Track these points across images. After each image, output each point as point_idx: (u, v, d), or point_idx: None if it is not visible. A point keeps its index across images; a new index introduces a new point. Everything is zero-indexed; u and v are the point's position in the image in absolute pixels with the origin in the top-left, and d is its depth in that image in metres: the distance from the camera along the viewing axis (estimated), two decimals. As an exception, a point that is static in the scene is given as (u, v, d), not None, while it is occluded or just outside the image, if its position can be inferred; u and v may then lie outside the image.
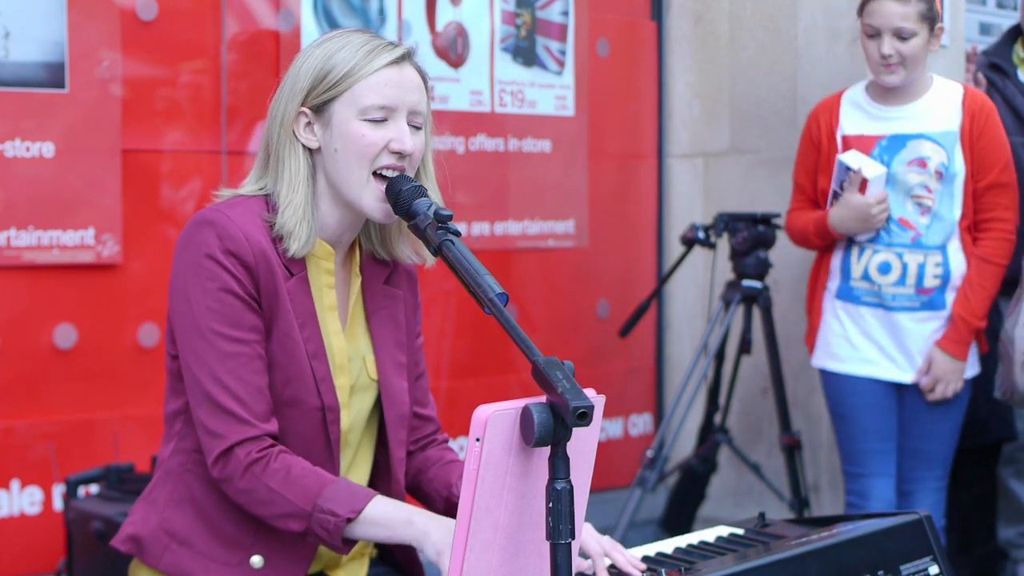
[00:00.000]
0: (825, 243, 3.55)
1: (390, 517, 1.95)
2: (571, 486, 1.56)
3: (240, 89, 3.65)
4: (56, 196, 3.35)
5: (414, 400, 2.20)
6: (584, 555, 2.03)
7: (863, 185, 3.37)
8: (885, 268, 3.43)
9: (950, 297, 3.43)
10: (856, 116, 3.51)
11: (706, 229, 3.99)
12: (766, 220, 3.92)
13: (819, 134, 3.55)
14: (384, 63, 2.01)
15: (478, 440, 1.55)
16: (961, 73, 4.31)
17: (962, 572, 4.09)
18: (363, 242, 2.16)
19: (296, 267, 2.04)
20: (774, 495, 4.06)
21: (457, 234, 1.89)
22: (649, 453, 3.93)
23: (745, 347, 4.02)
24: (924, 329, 3.45)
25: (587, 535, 2.04)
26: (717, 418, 4.13)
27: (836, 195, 3.47)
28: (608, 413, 4.47)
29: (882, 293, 3.45)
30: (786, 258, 4.08)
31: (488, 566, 1.61)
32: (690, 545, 2.15)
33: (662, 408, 4.75)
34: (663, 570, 1.91)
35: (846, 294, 3.52)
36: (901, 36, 3.34)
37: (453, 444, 2.33)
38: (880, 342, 3.48)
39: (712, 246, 4.00)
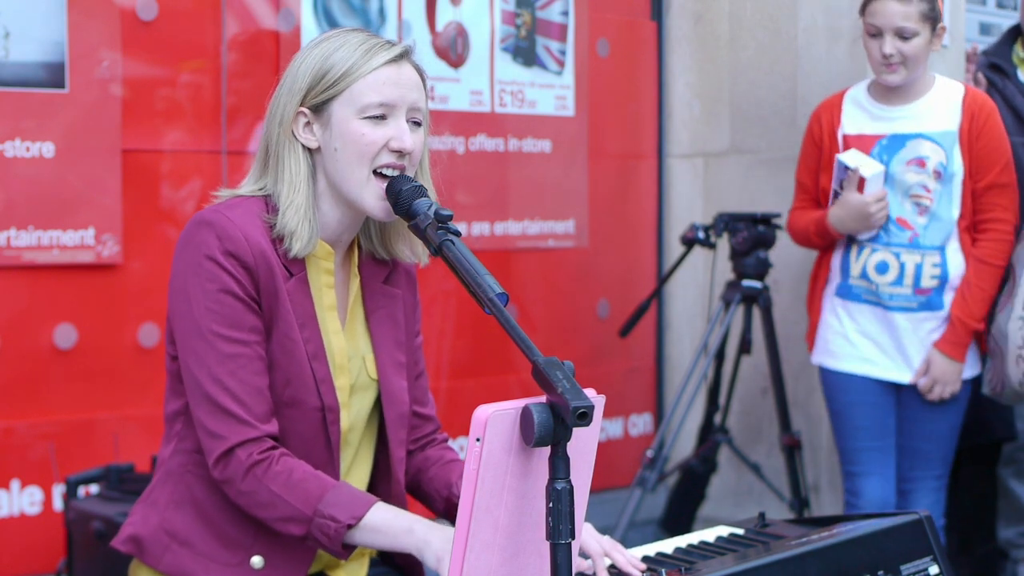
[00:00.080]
0: (826, 243, 3.56)
1: (391, 525, 1.94)
2: (571, 486, 1.56)
3: (240, 89, 3.65)
4: (56, 196, 3.35)
5: (414, 399, 2.20)
6: (584, 555, 2.03)
7: (861, 184, 3.37)
8: (883, 268, 3.43)
9: (948, 298, 3.43)
10: (857, 115, 3.51)
11: (706, 229, 3.99)
12: (766, 220, 3.92)
13: (820, 133, 3.55)
14: (382, 62, 2.01)
15: (478, 440, 1.55)
16: (961, 73, 4.31)
17: (962, 572, 4.09)
18: (362, 241, 2.16)
19: (295, 267, 2.04)
20: (774, 495, 4.06)
21: (457, 234, 1.89)
22: (649, 453, 3.93)
23: (745, 347, 4.02)
24: (921, 329, 3.45)
25: (587, 535, 2.04)
26: (717, 418, 4.13)
27: (836, 194, 3.47)
28: (608, 413, 4.47)
29: (879, 292, 3.45)
30: (786, 258, 4.08)
31: (488, 566, 1.61)
32: (690, 545, 2.15)
33: (662, 408, 4.75)
34: (663, 570, 1.91)
35: (845, 292, 3.52)
36: (903, 36, 3.35)
37: (453, 444, 2.33)
38: (878, 341, 3.49)
39: (712, 246, 4.00)
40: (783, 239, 3.85)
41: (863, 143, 3.47)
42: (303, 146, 2.04)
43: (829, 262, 3.58)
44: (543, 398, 1.58)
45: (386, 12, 3.90)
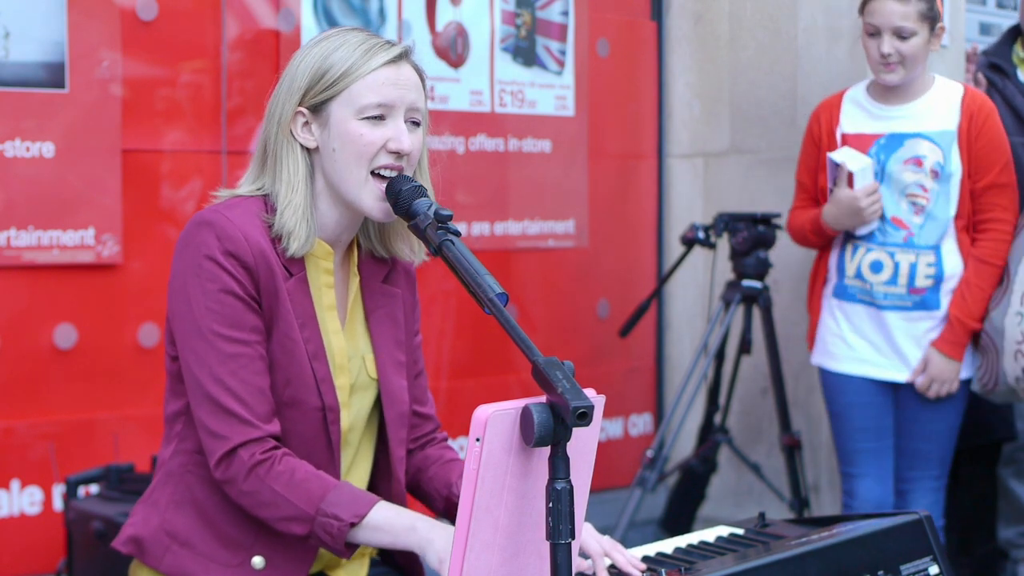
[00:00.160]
0: (823, 241, 3.56)
1: (393, 523, 1.94)
2: (571, 486, 1.56)
3: (240, 89, 3.65)
4: (56, 196, 3.35)
5: (413, 398, 2.20)
6: (584, 555, 2.03)
7: (850, 179, 3.38)
8: (877, 267, 3.44)
9: (943, 297, 3.43)
10: (856, 115, 3.52)
11: (706, 229, 3.99)
12: (766, 220, 3.92)
13: (819, 132, 3.56)
14: (381, 62, 2.01)
15: (478, 440, 1.55)
16: (961, 73, 4.31)
17: (962, 572, 4.09)
18: (361, 240, 2.16)
19: (295, 267, 2.04)
20: (774, 495, 4.06)
21: (457, 234, 1.89)
22: (649, 453, 3.93)
23: (745, 347, 4.02)
24: (916, 329, 3.45)
25: (587, 535, 2.04)
26: (717, 418, 4.13)
27: (831, 192, 3.48)
28: (608, 413, 4.47)
29: (873, 292, 3.45)
30: (786, 258, 4.08)
31: (488, 566, 1.61)
32: (690, 545, 2.15)
33: (662, 408, 4.75)
34: (663, 570, 1.91)
35: (841, 292, 3.53)
36: (901, 35, 3.35)
37: (453, 444, 2.33)
38: (873, 341, 3.49)
39: (712, 246, 4.00)
40: (783, 239, 3.85)
41: (861, 142, 3.47)
42: (301, 146, 2.04)
43: (827, 262, 3.59)
44: (543, 398, 1.58)
45: (386, 12, 3.90)
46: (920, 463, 3.52)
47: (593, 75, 4.45)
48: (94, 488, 3.19)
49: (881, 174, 3.43)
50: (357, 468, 2.15)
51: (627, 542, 2.17)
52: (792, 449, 3.92)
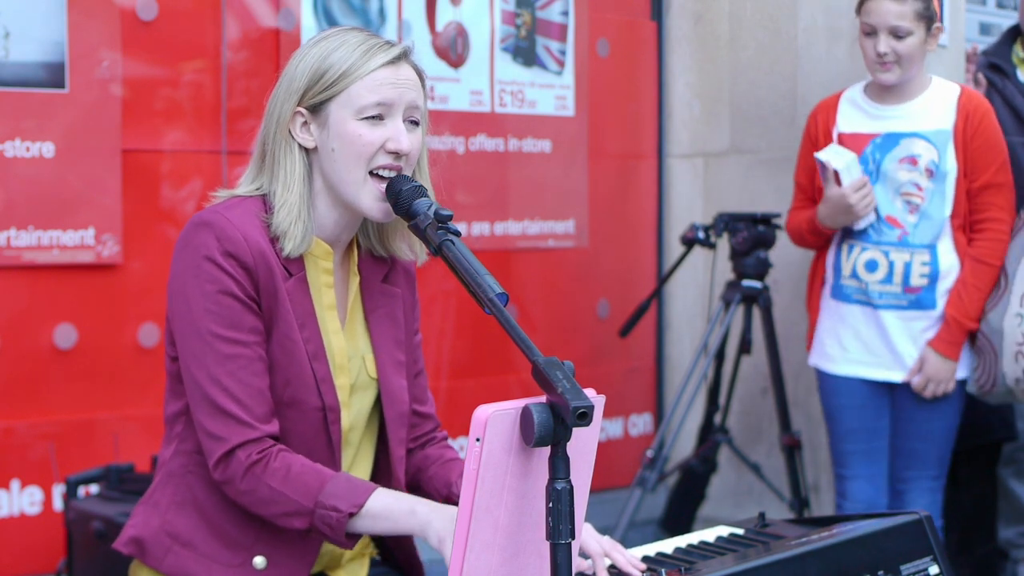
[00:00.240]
0: (820, 240, 3.57)
1: (392, 509, 1.95)
2: (571, 486, 1.56)
3: (240, 89, 3.65)
4: (56, 196, 3.35)
5: (413, 398, 2.20)
6: (584, 555, 2.03)
7: (837, 177, 3.39)
8: (872, 266, 3.44)
9: (939, 296, 3.43)
10: (853, 114, 3.53)
11: (706, 229, 3.99)
12: (766, 220, 3.92)
13: (816, 133, 3.57)
14: (381, 63, 2.00)
15: (478, 440, 1.55)
16: (961, 73, 4.31)
17: (962, 572, 4.09)
18: (361, 239, 2.16)
19: (295, 267, 2.03)
20: (774, 495, 4.06)
21: (457, 234, 1.89)
22: (649, 453, 3.93)
23: (745, 347, 4.02)
24: (912, 328, 3.45)
25: (587, 535, 2.04)
26: (717, 418, 4.13)
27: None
28: (608, 413, 4.47)
29: (869, 291, 3.46)
30: (786, 258, 4.08)
31: (488, 566, 1.61)
32: (690, 545, 2.15)
33: (662, 408, 4.75)
34: (663, 570, 1.91)
35: (837, 292, 3.53)
36: (897, 34, 3.36)
37: (453, 444, 2.33)
38: (868, 341, 3.49)
39: (712, 246, 4.00)
40: (783, 239, 3.85)
41: (858, 142, 3.48)
42: (300, 146, 2.04)
43: (824, 262, 3.60)
44: (543, 398, 1.58)
45: (386, 12, 3.90)
46: (917, 463, 3.52)
47: (593, 75, 4.45)
48: (94, 488, 3.19)
49: (876, 173, 3.44)
50: (357, 468, 2.15)
51: (627, 542, 2.17)
52: (792, 449, 3.92)
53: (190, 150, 3.60)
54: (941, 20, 3.46)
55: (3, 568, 3.34)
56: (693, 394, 3.97)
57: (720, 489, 4.42)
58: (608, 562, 2.03)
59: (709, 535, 2.20)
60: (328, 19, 3.75)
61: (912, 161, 3.42)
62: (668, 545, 2.15)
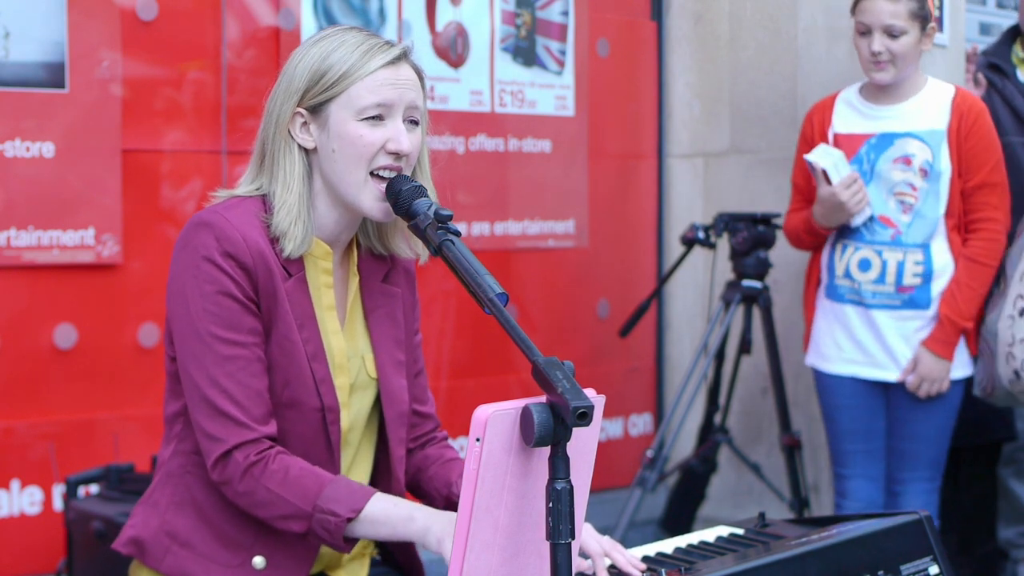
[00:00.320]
0: (817, 241, 3.58)
1: (390, 514, 1.95)
2: (571, 486, 1.56)
3: (240, 89, 3.65)
4: (56, 196, 3.35)
5: (413, 398, 2.20)
6: (584, 555, 2.03)
7: (827, 176, 3.40)
8: (865, 265, 3.45)
9: (933, 296, 3.43)
10: (848, 115, 3.54)
11: (706, 229, 3.99)
12: (766, 220, 3.92)
13: (812, 134, 3.58)
14: (380, 64, 2.00)
15: (478, 440, 1.55)
16: (961, 73, 4.31)
17: (962, 572, 4.09)
18: (360, 238, 2.16)
19: (294, 267, 2.03)
20: (774, 495, 4.06)
21: (457, 234, 1.89)
22: (649, 453, 3.93)
23: (745, 347, 4.02)
24: (906, 327, 3.45)
25: (587, 535, 2.04)
26: (717, 418, 4.13)
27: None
28: (608, 413, 4.47)
29: (862, 291, 3.46)
30: (786, 258, 4.08)
31: (488, 566, 1.61)
32: (690, 545, 2.15)
33: (662, 408, 4.75)
34: (663, 570, 1.91)
35: (832, 292, 3.54)
36: (891, 34, 3.37)
37: (453, 444, 2.33)
38: (862, 341, 3.49)
39: (712, 246, 4.01)
40: (783, 239, 3.85)
41: (853, 142, 3.49)
42: (299, 146, 2.04)
43: (819, 262, 3.60)
44: (543, 398, 1.58)
45: (386, 12, 3.90)
46: (911, 464, 3.51)
47: (593, 75, 4.45)
48: (94, 488, 3.19)
49: (870, 173, 3.45)
50: (357, 468, 2.15)
51: (627, 542, 2.17)
52: (792, 449, 3.92)
53: (190, 150, 3.60)
54: (941, 21, 3.46)
55: (3, 568, 3.34)
56: (693, 394, 3.97)
57: (720, 489, 4.42)
58: (608, 562, 2.03)
59: (709, 535, 2.20)
60: (328, 19, 3.75)
61: (906, 161, 3.42)
62: (668, 545, 2.15)
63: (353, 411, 2.11)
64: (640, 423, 4.71)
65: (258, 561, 2.04)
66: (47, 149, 3.33)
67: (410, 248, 2.15)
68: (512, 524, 1.62)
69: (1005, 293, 3.40)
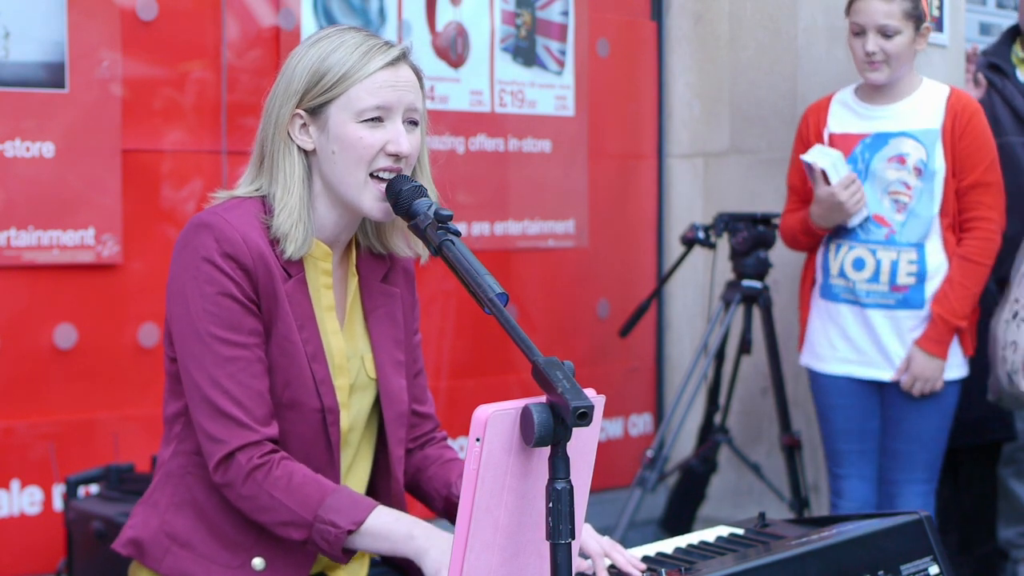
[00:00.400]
0: (813, 241, 3.58)
1: (391, 530, 1.94)
2: (571, 486, 1.56)
3: (240, 89, 3.65)
4: (56, 196, 3.35)
5: (413, 398, 2.20)
6: (584, 555, 2.03)
7: (825, 176, 3.40)
8: (859, 264, 3.45)
9: (927, 295, 3.43)
10: (844, 115, 3.54)
11: (706, 229, 3.99)
12: (766, 220, 3.92)
13: (808, 134, 3.59)
14: (380, 65, 2.00)
15: (478, 440, 1.55)
16: (961, 73, 4.31)
17: (962, 572, 4.09)
18: (360, 237, 2.16)
19: (294, 268, 2.03)
20: (774, 495, 4.06)
21: (457, 234, 1.89)
22: (649, 453, 3.93)
23: (745, 347, 4.02)
24: (901, 327, 3.45)
25: (587, 535, 2.04)
26: (717, 418, 4.13)
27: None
28: (608, 413, 4.47)
29: (856, 290, 3.46)
30: (786, 258, 4.08)
31: (488, 566, 1.61)
32: (690, 545, 2.15)
33: (662, 408, 4.75)
34: (663, 570, 1.91)
35: (827, 292, 3.55)
36: (885, 34, 3.38)
37: (453, 444, 2.33)
38: (857, 341, 3.50)
39: (712, 246, 4.01)
40: (783, 239, 3.86)
41: (848, 142, 3.50)
42: (299, 147, 2.04)
43: (814, 262, 3.61)
44: (543, 398, 1.58)
45: (386, 12, 3.90)
46: (905, 465, 3.50)
47: (593, 75, 4.45)
48: (94, 488, 3.19)
49: (865, 172, 3.45)
50: (357, 468, 2.15)
51: (627, 542, 2.17)
52: (792, 449, 3.92)
53: (190, 150, 3.60)
54: (941, 21, 3.46)
55: (3, 568, 3.34)
56: (693, 394, 3.97)
57: (720, 489, 4.42)
58: (608, 562, 2.03)
59: (709, 535, 2.20)
60: (328, 19, 3.75)
61: (900, 160, 3.43)
62: (668, 545, 2.15)
63: (353, 411, 2.11)
64: (640, 423, 4.71)
65: (258, 562, 2.04)
66: (47, 149, 3.33)
67: (409, 247, 2.15)
68: (512, 524, 1.62)
69: (1007, 298, 3.41)
